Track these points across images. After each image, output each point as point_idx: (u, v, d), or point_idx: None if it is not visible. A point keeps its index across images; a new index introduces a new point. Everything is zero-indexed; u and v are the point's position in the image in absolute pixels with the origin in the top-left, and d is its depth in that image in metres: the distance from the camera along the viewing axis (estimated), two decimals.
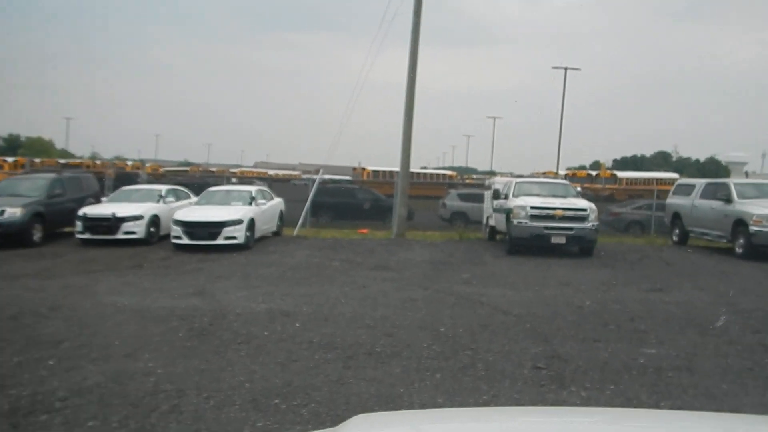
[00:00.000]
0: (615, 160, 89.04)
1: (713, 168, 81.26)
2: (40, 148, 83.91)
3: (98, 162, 47.22)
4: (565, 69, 48.25)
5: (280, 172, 65.91)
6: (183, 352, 6.13)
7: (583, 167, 72.81)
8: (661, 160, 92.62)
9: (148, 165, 60.35)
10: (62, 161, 49.10)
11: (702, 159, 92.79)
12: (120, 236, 14.44)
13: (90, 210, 14.75)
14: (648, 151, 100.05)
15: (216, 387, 5.14)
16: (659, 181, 37.73)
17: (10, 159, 41.45)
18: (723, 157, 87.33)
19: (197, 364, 5.71)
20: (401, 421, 1.94)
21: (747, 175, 45.84)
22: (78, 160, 51.95)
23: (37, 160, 51.86)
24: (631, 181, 41.10)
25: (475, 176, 61.30)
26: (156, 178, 35.93)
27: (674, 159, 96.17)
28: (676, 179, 39.17)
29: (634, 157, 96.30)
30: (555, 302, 8.83)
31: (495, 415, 2.32)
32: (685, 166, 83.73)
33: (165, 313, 7.80)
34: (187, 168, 59.18)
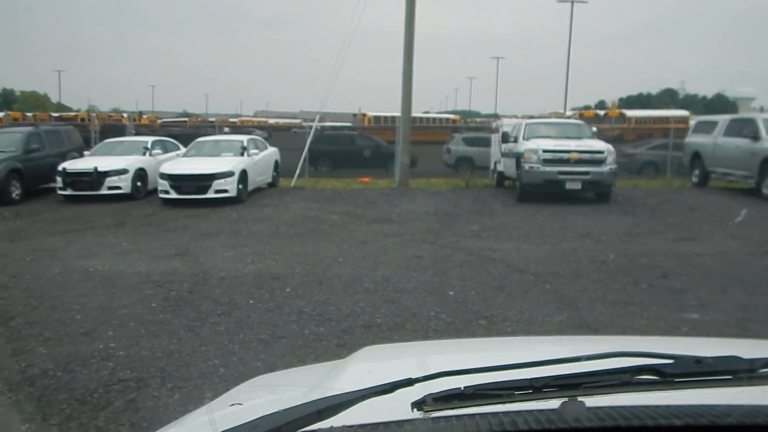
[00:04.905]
0: (621, 99, 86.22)
1: (721, 104, 78.80)
2: (35, 102, 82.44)
3: (93, 114, 45.65)
4: (572, 1, 45.96)
5: (281, 121, 64.34)
6: (152, 328, 5.29)
7: (588, 107, 70.71)
8: (668, 98, 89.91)
9: (145, 116, 58.85)
10: (55, 115, 47.68)
11: (709, 95, 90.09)
12: (104, 192, 13.52)
13: (70, 165, 13.76)
14: (654, 89, 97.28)
15: (184, 375, 4.31)
16: (669, 120, 36.21)
17: (0, 114, 40.15)
18: (731, 93, 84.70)
19: (166, 345, 4.88)
20: (409, 352, 1.91)
21: (762, 110, 44.19)
22: (72, 114, 50.20)
23: (29, 114, 50.50)
24: (640, 120, 39.49)
25: (478, 119, 59.57)
26: (152, 130, 34.69)
27: (681, 96, 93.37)
28: (686, 117, 37.70)
29: (640, 95, 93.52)
30: (575, 257, 7.93)
31: (503, 344, 2.23)
32: (692, 103, 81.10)
33: (139, 279, 6.95)
34: (186, 119, 57.51)
